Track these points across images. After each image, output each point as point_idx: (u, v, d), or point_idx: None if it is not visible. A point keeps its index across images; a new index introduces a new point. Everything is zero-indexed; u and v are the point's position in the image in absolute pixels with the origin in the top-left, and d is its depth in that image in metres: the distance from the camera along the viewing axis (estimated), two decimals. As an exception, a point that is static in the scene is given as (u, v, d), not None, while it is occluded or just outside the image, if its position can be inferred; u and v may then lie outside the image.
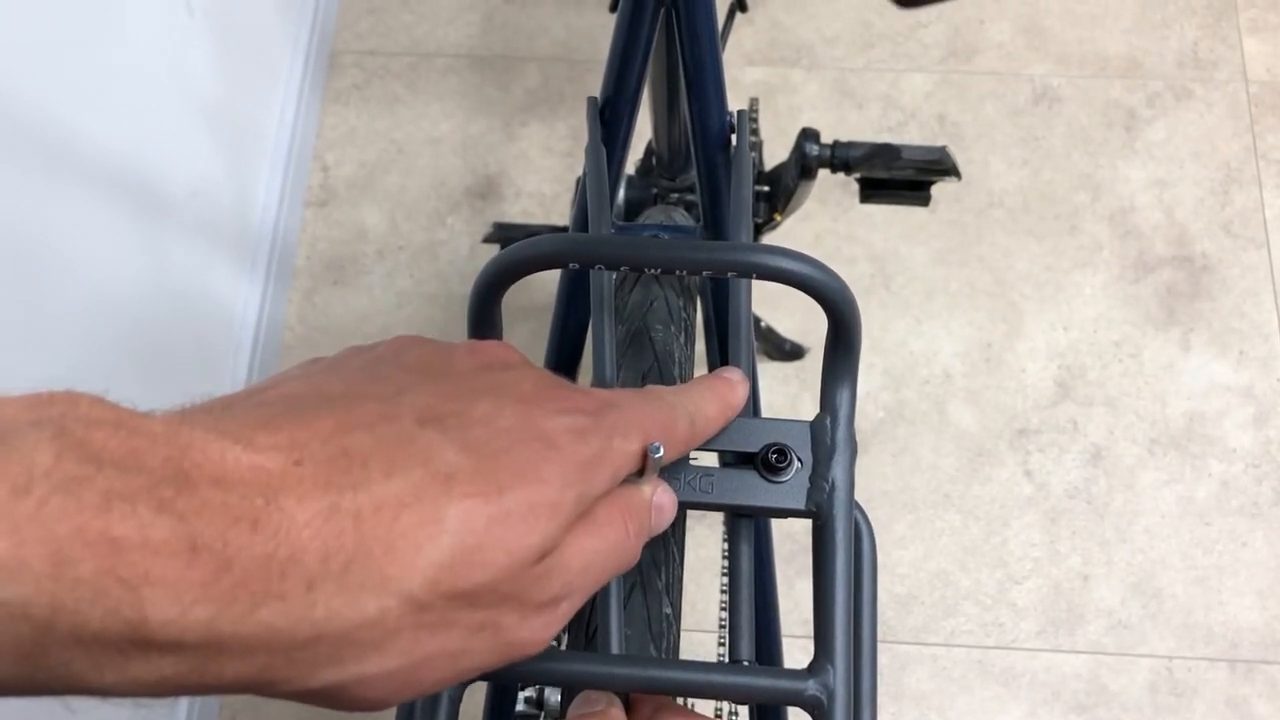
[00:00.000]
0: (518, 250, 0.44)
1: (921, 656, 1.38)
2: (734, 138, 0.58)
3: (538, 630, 0.31)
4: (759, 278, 0.43)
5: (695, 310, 0.64)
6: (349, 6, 1.76)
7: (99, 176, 1.11)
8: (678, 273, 0.42)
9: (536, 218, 1.61)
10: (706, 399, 0.41)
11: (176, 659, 0.24)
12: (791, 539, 1.36)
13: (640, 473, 0.37)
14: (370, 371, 0.32)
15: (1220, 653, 1.37)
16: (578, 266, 0.44)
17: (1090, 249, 1.58)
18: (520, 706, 0.79)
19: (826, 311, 0.43)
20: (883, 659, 1.39)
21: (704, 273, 0.42)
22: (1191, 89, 1.67)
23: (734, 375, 0.43)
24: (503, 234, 1.33)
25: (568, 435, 0.32)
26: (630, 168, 1.08)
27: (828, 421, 0.45)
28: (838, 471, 0.44)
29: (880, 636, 1.40)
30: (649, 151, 1.00)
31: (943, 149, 0.93)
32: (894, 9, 1.77)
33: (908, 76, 1.69)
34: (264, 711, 1.37)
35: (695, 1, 0.56)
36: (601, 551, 0.33)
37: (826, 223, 1.58)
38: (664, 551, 0.50)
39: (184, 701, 1.29)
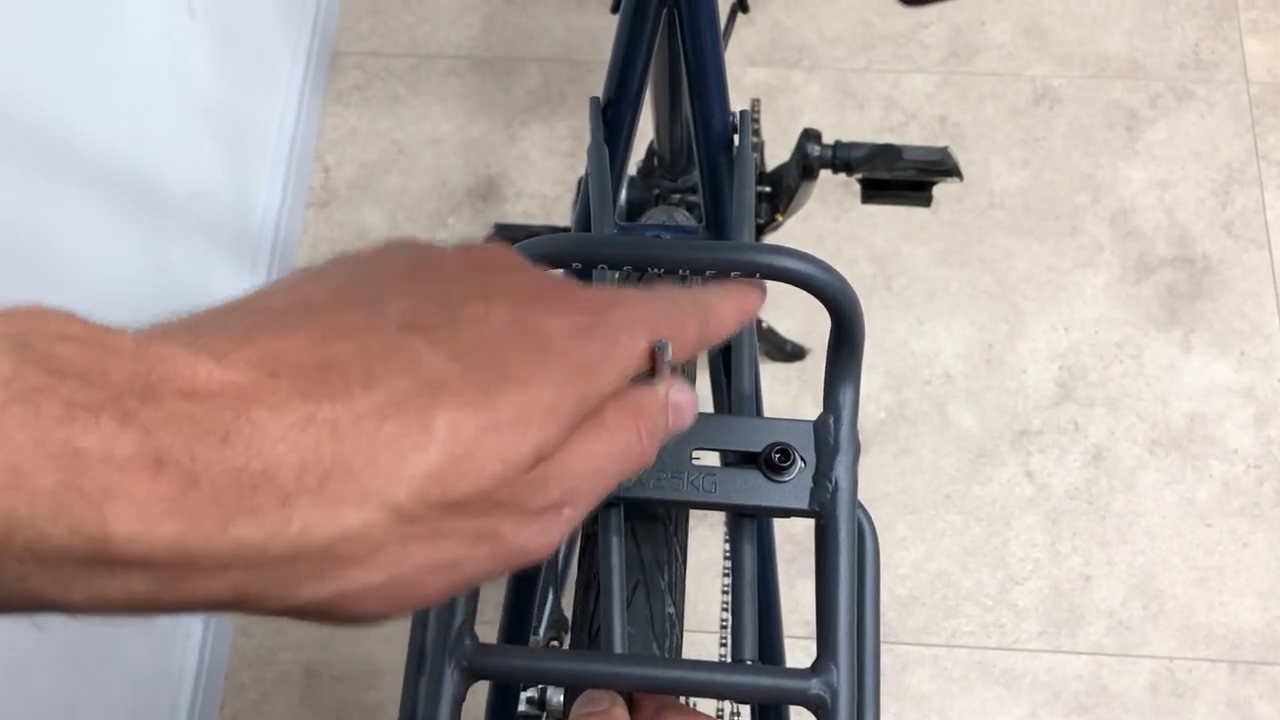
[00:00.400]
0: (521, 249, 0.44)
1: (922, 657, 1.38)
2: (736, 138, 0.58)
3: (538, 536, 0.30)
4: (763, 277, 0.43)
5: (697, 310, 0.64)
6: (350, 7, 1.76)
7: (99, 177, 1.11)
8: (680, 273, 0.42)
9: (538, 218, 1.61)
10: (720, 298, 0.39)
11: (145, 576, 0.24)
12: (793, 540, 1.36)
13: (651, 374, 0.35)
14: (354, 279, 0.31)
15: (1221, 654, 1.37)
16: (580, 266, 0.44)
17: (1091, 250, 1.58)
18: (522, 707, 0.79)
19: (830, 311, 0.43)
20: (884, 660, 1.39)
21: (707, 273, 0.42)
22: (1193, 90, 1.67)
23: (753, 281, 0.41)
24: (504, 235, 1.33)
25: (566, 335, 0.30)
26: (632, 168, 1.08)
27: (831, 421, 0.45)
28: (841, 471, 0.44)
29: (882, 638, 1.40)
30: (651, 152, 1.00)
31: (944, 149, 0.93)
32: (896, 9, 1.77)
33: (909, 77, 1.69)
34: (265, 711, 1.37)
35: (697, 2, 0.56)
36: (609, 455, 0.32)
37: (828, 223, 1.58)
38: (666, 551, 0.51)
39: (184, 704, 1.29)
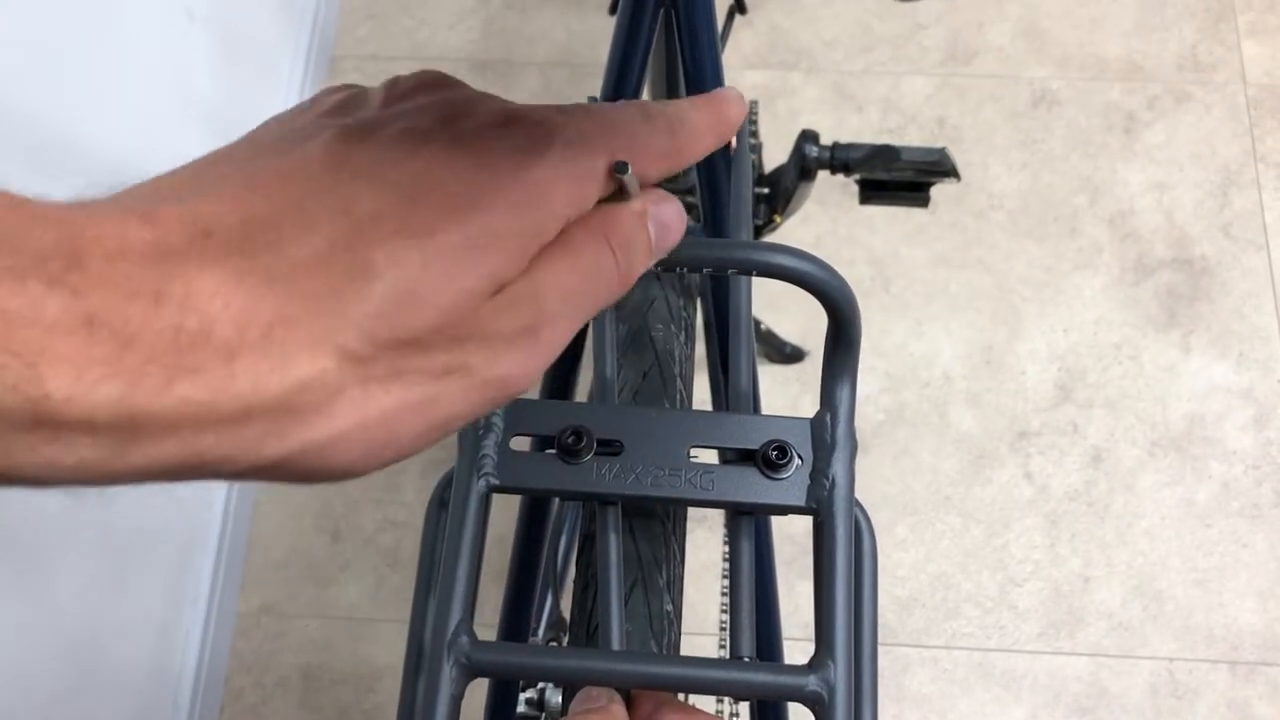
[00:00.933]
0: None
1: (923, 659, 1.38)
2: (734, 139, 0.58)
3: (516, 364, 0.29)
4: (759, 274, 0.43)
5: (695, 310, 0.64)
6: (349, 11, 1.76)
7: (97, 182, 1.11)
8: (678, 270, 0.43)
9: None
10: (696, 106, 0.35)
11: (92, 440, 0.23)
12: (792, 541, 1.36)
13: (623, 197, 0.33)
14: (286, 128, 0.30)
15: (1221, 654, 1.37)
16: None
17: (1090, 251, 1.58)
18: (521, 708, 0.79)
19: (826, 309, 0.43)
20: (884, 661, 1.39)
21: (704, 270, 0.42)
22: (1191, 92, 1.67)
23: (730, 91, 0.38)
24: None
25: (510, 155, 0.29)
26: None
27: (828, 418, 0.45)
28: (838, 468, 0.44)
29: (881, 639, 1.40)
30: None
31: (942, 150, 0.93)
32: (894, 11, 1.77)
33: (907, 79, 1.69)
34: (264, 715, 1.37)
35: (695, 2, 0.57)
36: (580, 271, 0.30)
37: (826, 225, 1.58)
38: (664, 549, 0.51)
39: (184, 708, 1.29)
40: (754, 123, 1.06)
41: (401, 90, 0.31)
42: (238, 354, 0.24)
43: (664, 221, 0.33)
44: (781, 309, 1.50)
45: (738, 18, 1.16)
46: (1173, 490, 1.45)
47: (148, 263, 0.24)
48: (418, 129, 0.29)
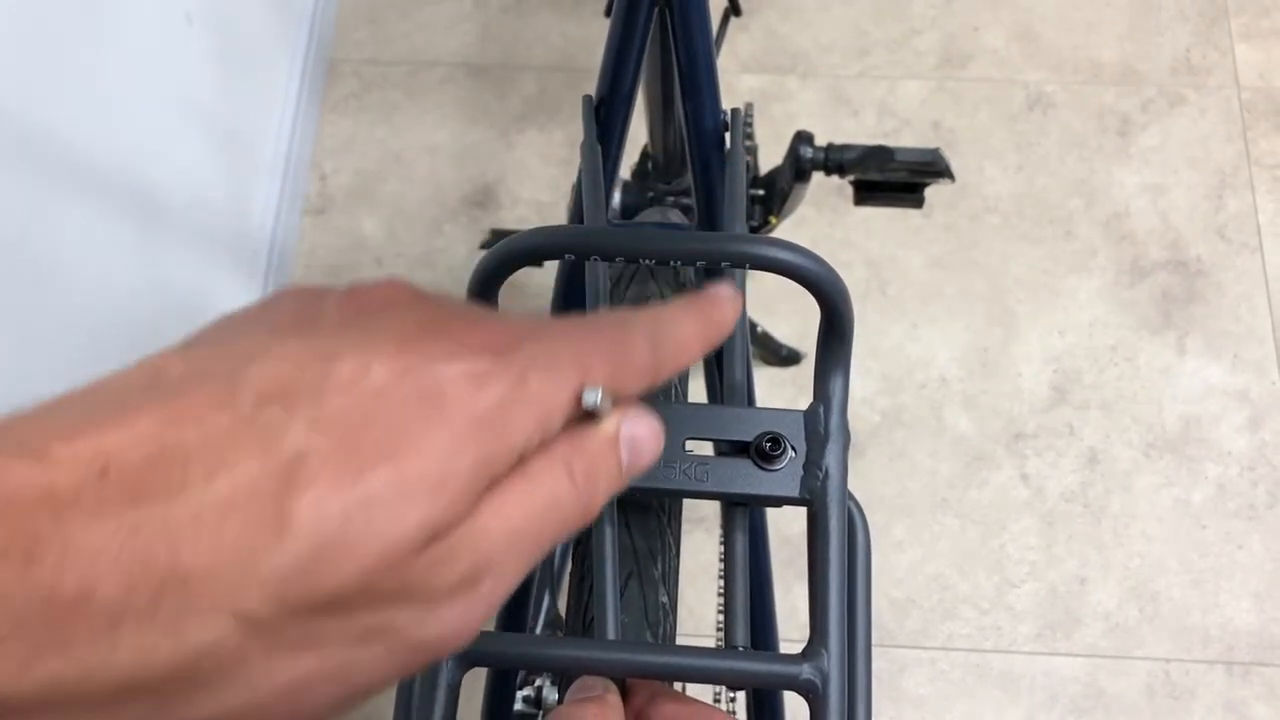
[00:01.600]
0: (515, 241, 0.44)
1: (920, 660, 1.38)
2: (728, 136, 0.59)
3: (451, 624, 0.25)
4: (752, 267, 0.43)
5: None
6: (347, 16, 1.77)
7: (97, 185, 1.12)
8: (672, 263, 0.43)
9: (534, 225, 1.61)
10: (678, 316, 0.33)
11: None
12: (789, 543, 1.37)
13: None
14: (227, 342, 0.26)
15: (1218, 655, 1.37)
16: (574, 257, 0.44)
17: (1085, 254, 1.58)
18: (518, 706, 0.80)
19: (819, 301, 0.44)
20: (880, 663, 1.39)
21: (698, 263, 0.43)
22: (1185, 95, 1.68)
23: (722, 290, 0.35)
24: (499, 239, 1.33)
25: (460, 384, 0.25)
26: (626, 172, 1.09)
27: (821, 410, 0.46)
28: (831, 459, 0.45)
29: (878, 640, 1.41)
30: (645, 155, 1.01)
31: (935, 151, 0.94)
32: (890, 16, 1.77)
33: (903, 83, 1.70)
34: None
35: (689, 2, 0.57)
36: (533, 509, 0.26)
37: (822, 228, 1.59)
38: (660, 541, 0.51)
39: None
40: (749, 125, 1.06)
41: (360, 306, 0.28)
42: (122, 620, 0.21)
43: (638, 442, 0.30)
44: (778, 312, 1.50)
45: (733, 21, 1.17)
46: (1168, 491, 1.45)
47: (27, 512, 0.21)
48: (364, 352, 0.25)
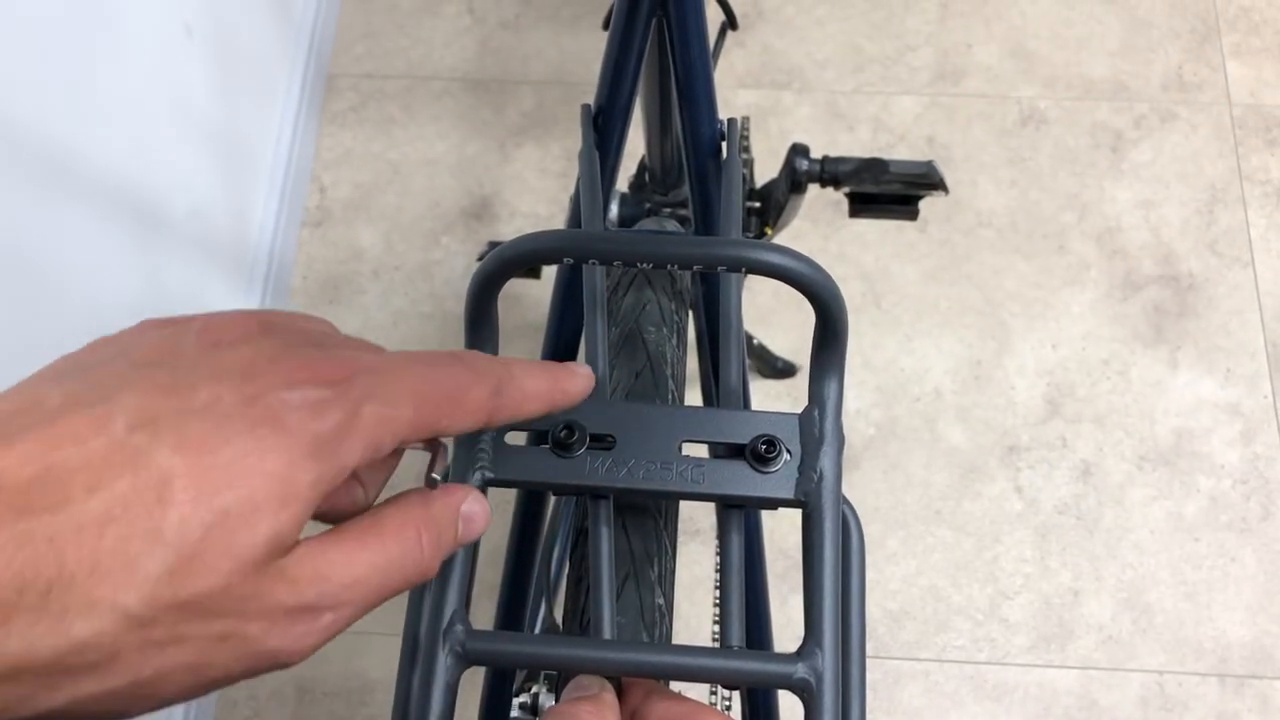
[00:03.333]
0: (515, 245, 0.45)
1: (914, 672, 1.39)
2: (724, 146, 0.60)
3: (293, 641, 0.29)
4: (748, 272, 0.44)
5: (688, 315, 0.65)
6: (346, 30, 1.78)
7: (97, 196, 1.12)
8: (669, 267, 0.44)
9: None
10: (533, 373, 0.38)
11: None
12: (785, 555, 1.37)
13: (431, 449, 0.36)
14: (99, 371, 0.30)
15: (1210, 668, 1.37)
16: (572, 261, 0.45)
17: (1078, 268, 1.59)
18: (515, 713, 0.80)
19: (813, 304, 0.44)
20: (875, 674, 1.39)
21: (694, 267, 0.43)
22: (1176, 111, 1.70)
23: (580, 368, 0.41)
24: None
25: (298, 411, 0.29)
26: (624, 184, 1.10)
27: (815, 413, 0.46)
28: (825, 462, 0.45)
29: (872, 652, 1.41)
30: (642, 167, 1.02)
31: (929, 163, 0.95)
32: (885, 33, 1.79)
33: (897, 99, 1.71)
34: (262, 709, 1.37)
35: (686, 11, 0.58)
36: (380, 565, 0.31)
37: (818, 241, 1.60)
38: (656, 543, 0.52)
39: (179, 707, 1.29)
40: (746, 138, 1.07)
41: (215, 338, 0.32)
42: (14, 615, 0.24)
43: (472, 516, 0.35)
44: (774, 324, 1.51)
45: (730, 36, 1.18)
46: (1161, 504, 1.46)
47: None
48: (218, 383, 0.29)
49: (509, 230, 1.63)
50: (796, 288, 0.44)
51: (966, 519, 1.46)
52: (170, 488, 0.26)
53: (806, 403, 0.47)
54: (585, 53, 1.75)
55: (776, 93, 1.72)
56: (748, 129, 1.15)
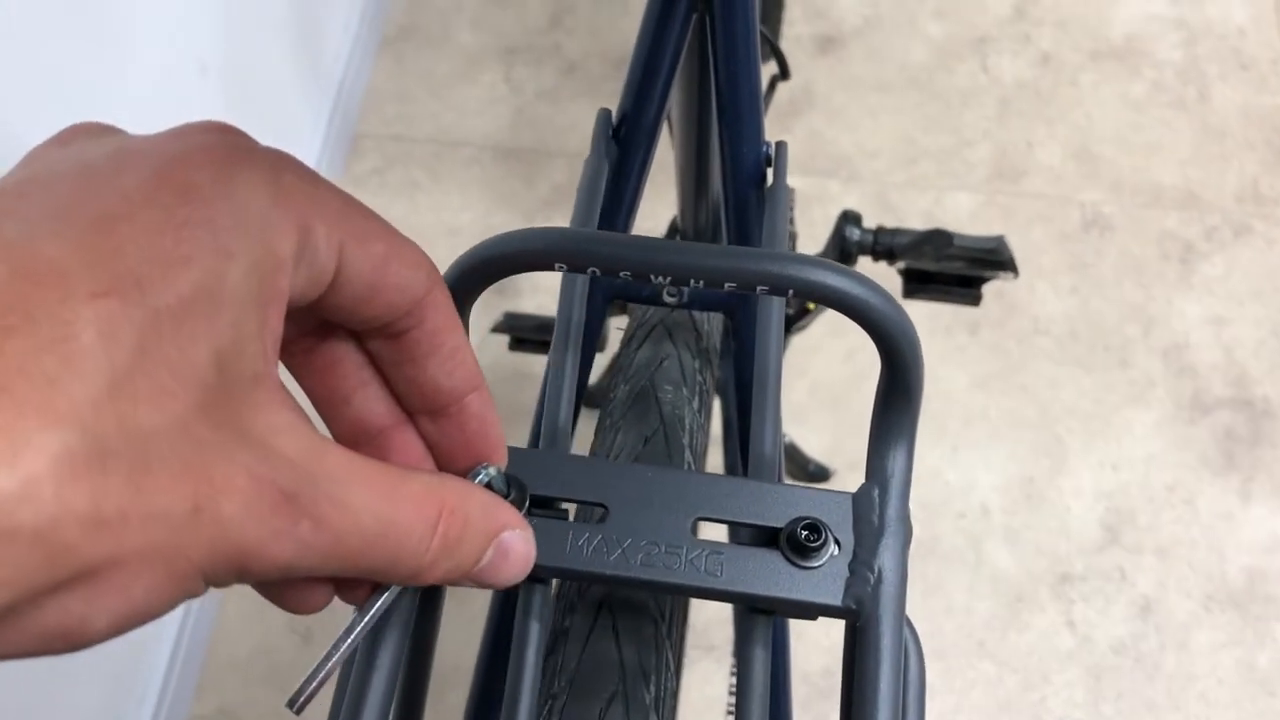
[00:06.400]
0: (493, 245, 0.35)
1: (947, 824, 1.23)
2: (770, 172, 0.49)
3: (270, 535, 0.23)
4: (794, 293, 0.33)
5: (711, 375, 0.54)
6: (377, 89, 1.71)
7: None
8: (691, 283, 0.33)
9: (551, 312, 1.52)
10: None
11: None
12: (806, 680, 1.23)
13: None
14: None
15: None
16: (566, 269, 0.34)
17: (1142, 385, 1.47)
18: None
19: (878, 344, 0.33)
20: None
21: (725, 285, 0.32)
22: (1251, 224, 1.59)
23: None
24: (512, 323, 1.25)
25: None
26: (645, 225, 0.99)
27: (875, 493, 0.35)
28: (886, 559, 0.34)
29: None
30: (673, 228, 0.92)
31: (999, 239, 0.83)
32: (940, 125, 1.70)
33: (951, 194, 1.61)
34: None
35: (733, 8, 0.48)
36: (377, 515, 0.26)
37: (858, 336, 1.49)
38: (655, 656, 0.39)
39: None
40: (790, 211, 0.97)
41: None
42: None
43: (508, 550, 0.29)
44: (808, 423, 1.39)
45: (777, 121, 1.09)
46: (1231, 651, 1.31)
47: None
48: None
49: (530, 305, 1.53)
50: (858, 320, 0.33)
51: (1012, 653, 1.31)
52: (68, 279, 0.20)
53: (863, 480, 0.36)
54: (624, 129, 1.67)
55: (823, 180, 1.62)
56: (793, 204, 1.05)
